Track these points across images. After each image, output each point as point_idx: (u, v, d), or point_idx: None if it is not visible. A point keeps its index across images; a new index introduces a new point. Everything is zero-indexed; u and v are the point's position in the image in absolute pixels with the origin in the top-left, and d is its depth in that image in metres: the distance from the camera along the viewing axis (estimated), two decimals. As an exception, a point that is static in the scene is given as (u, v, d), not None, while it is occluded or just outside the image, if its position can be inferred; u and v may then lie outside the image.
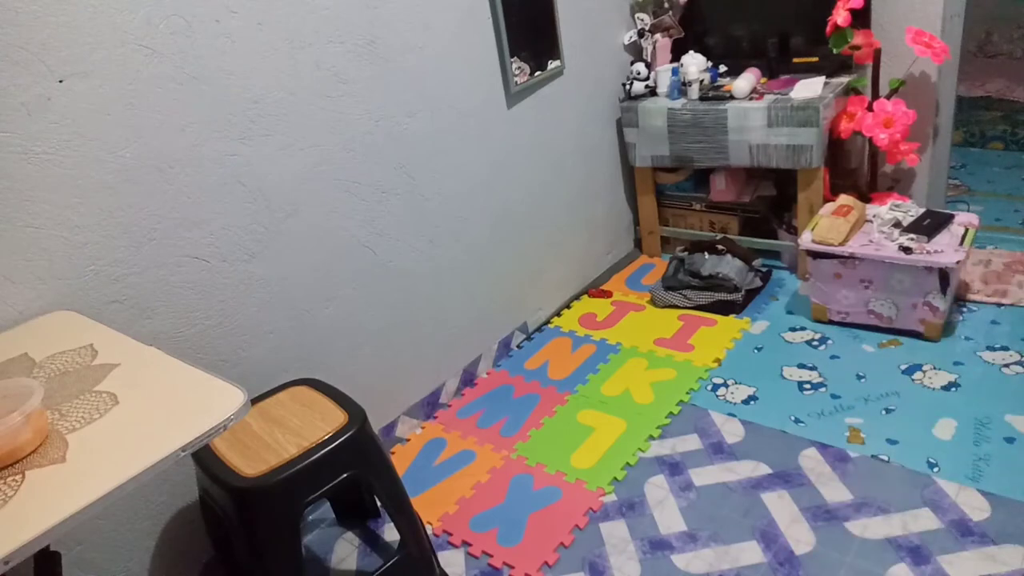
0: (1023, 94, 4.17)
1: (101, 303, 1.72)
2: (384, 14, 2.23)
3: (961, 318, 2.67)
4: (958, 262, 2.39)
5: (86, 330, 1.52)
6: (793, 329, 2.80)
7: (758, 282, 3.07)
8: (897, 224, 2.63)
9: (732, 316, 2.94)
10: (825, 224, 2.62)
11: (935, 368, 2.46)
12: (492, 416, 2.61)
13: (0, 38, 1.49)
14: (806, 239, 2.65)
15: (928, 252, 2.46)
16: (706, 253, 3.07)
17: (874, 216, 2.72)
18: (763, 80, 2.99)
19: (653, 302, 3.14)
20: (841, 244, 2.57)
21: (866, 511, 1.98)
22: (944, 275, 2.44)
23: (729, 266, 3.00)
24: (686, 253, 3.13)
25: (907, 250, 2.48)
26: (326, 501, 2.25)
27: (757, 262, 3.10)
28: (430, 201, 2.51)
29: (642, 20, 3.23)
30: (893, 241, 2.55)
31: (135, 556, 1.88)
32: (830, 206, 2.73)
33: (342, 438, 1.67)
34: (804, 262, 2.93)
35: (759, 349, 2.73)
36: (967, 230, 2.55)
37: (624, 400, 2.58)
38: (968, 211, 2.78)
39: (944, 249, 2.46)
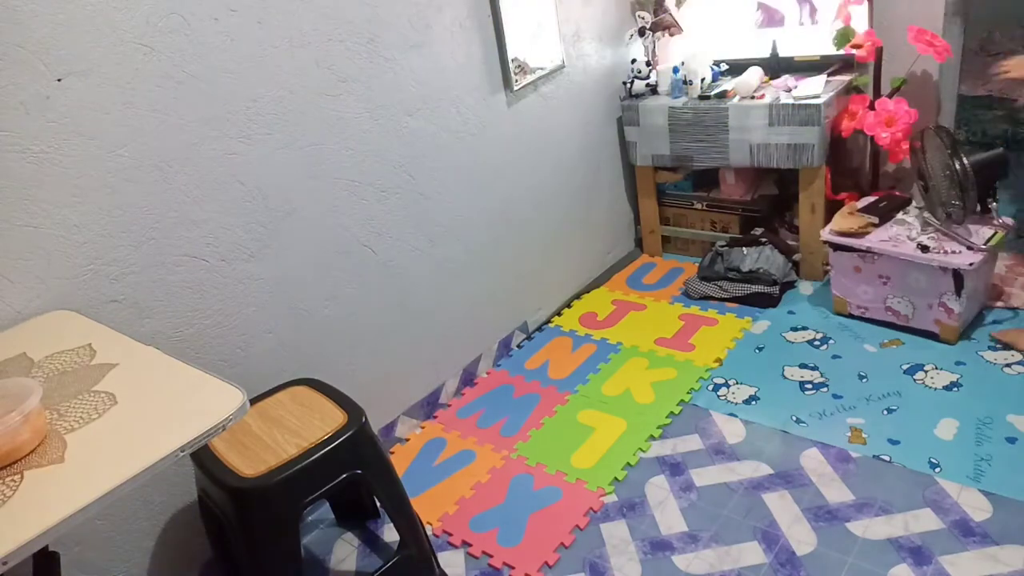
0: (1025, 93, 4.15)
1: (100, 303, 1.72)
2: (383, 12, 2.22)
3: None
4: (971, 264, 2.35)
5: (85, 330, 1.51)
6: (795, 329, 2.80)
7: (794, 275, 3.05)
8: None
9: (732, 316, 2.94)
10: (843, 216, 2.63)
11: (937, 368, 2.45)
12: (492, 416, 2.61)
13: (-2, 36, 1.48)
14: (826, 230, 2.66)
15: (944, 252, 2.41)
16: (744, 249, 3.04)
17: (906, 211, 2.68)
18: (765, 79, 2.98)
19: (687, 293, 3.12)
20: (860, 231, 2.56)
21: (868, 511, 1.97)
22: (958, 276, 2.40)
23: (770, 261, 2.97)
24: (726, 248, 3.09)
25: (924, 248, 2.44)
26: (325, 502, 2.25)
27: (797, 256, 3.07)
28: (430, 200, 2.50)
29: (643, 18, 3.21)
30: (912, 239, 2.51)
31: (134, 556, 1.88)
32: (848, 208, 2.74)
33: (341, 438, 1.67)
34: (819, 257, 2.96)
35: (760, 349, 2.73)
36: (995, 232, 2.46)
37: (625, 400, 2.57)
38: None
39: (961, 250, 2.41)
